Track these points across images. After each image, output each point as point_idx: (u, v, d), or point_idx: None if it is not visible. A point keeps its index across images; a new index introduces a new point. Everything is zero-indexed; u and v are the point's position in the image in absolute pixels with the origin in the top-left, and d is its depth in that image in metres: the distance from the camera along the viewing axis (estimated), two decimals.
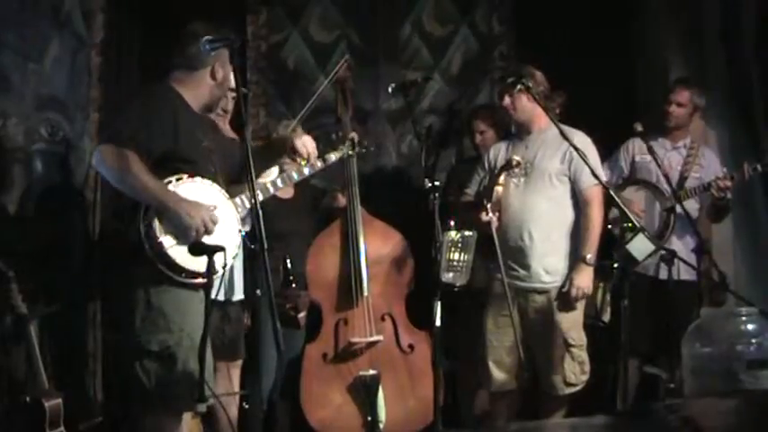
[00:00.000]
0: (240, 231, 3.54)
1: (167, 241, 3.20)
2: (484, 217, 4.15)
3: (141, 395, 3.28)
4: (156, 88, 3.46)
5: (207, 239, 3.23)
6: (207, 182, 3.35)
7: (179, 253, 3.21)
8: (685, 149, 4.81)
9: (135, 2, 5.01)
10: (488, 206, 4.16)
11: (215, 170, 3.41)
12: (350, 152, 4.11)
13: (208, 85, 3.44)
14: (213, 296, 3.63)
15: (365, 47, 5.67)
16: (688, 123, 4.84)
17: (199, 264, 3.20)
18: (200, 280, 3.25)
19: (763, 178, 4.86)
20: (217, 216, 3.28)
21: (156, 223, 3.19)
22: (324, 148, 3.91)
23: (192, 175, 3.30)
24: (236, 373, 4.13)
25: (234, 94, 4.05)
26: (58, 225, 4.32)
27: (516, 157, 4.19)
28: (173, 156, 3.28)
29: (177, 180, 3.26)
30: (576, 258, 4.26)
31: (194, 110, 3.45)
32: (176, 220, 3.20)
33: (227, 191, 3.43)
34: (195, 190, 3.29)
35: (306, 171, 3.75)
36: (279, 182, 3.67)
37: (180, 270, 3.23)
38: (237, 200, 3.45)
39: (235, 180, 3.49)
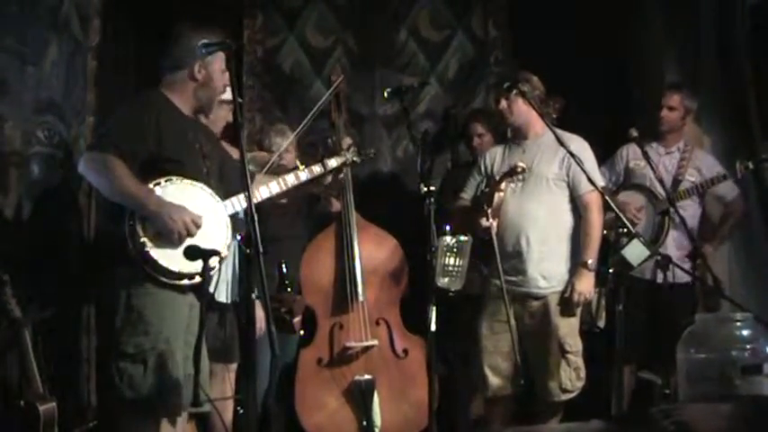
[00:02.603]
0: (236, 235, 3.54)
1: (150, 242, 3.22)
2: (484, 222, 4.14)
3: (118, 397, 3.29)
4: (142, 94, 3.50)
5: (192, 241, 3.23)
6: (197, 184, 3.35)
7: (162, 255, 3.23)
8: (679, 153, 4.84)
9: (131, 6, 5.01)
10: (489, 211, 4.15)
11: (207, 171, 3.42)
12: (354, 158, 4.02)
13: (190, 87, 3.44)
14: (217, 298, 3.67)
15: (361, 52, 5.68)
16: (681, 127, 4.87)
17: (182, 265, 3.22)
18: (185, 281, 3.26)
19: (757, 181, 4.88)
20: (201, 219, 3.29)
21: (140, 224, 3.22)
22: (322, 152, 3.91)
23: (180, 177, 3.31)
24: (231, 377, 4.13)
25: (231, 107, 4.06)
26: (53, 229, 4.31)
27: (521, 164, 4.17)
28: (158, 158, 3.30)
29: (166, 181, 3.28)
30: (574, 264, 4.26)
31: (186, 113, 3.46)
32: (158, 223, 3.22)
33: (218, 192, 3.43)
34: (183, 192, 3.31)
35: (303, 176, 3.75)
36: (274, 186, 3.67)
37: (163, 271, 3.24)
38: (228, 202, 3.45)
39: (233, 193, 3.49)
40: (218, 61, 3.42)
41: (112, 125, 3.41)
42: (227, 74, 3.45)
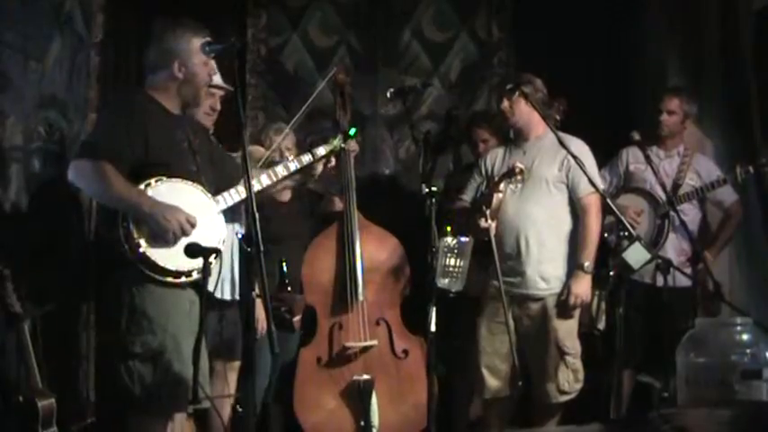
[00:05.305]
0: (237, 234, 3.54)
1: (146, 243, 3.22)
2: (483, 223, 4.14)
3: (126, 397, 3.29)
4: (125, 95, 3.51)
5: (189, 240, 3.23)
6: (187, 182, 3.36)
7: (159, 254, 3.24)
8: (679, 157, 4.84)
9: (134, 3, 5.01)
10: (488, 213, 4.15)
11: (197, 169, 3.42)
12: (342, 145, 3.95)
13: (174, 85, 3.43)
14: (219, 296, 3.66)
15: (364, 52, 5.69)
16: (681, 131, 4.87)
17: (180, 264, 3.22)
18: (183, 279, 3.27)
19: (758, 184, 4.88)
20: (194, 217, 3.29)
21: (134, 226, 3.22)
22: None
23: (170, 176, 3.31)
24: (233, 375, 4.13)
25: (221, 93, 4.06)
26: (54, 224, 4.32)
27: (519, 165, 4.17)
28: (146, 160, 3.30)
29: (157, 182, 3.28)
30: (573, 266, 4.26)
31: (173, 111, 3.45)
32: (152, 224, 3.23)
33: (209, 189, 3.43)
34: (174, 191, 3.31)
35: (292, 166, 3.73)
36: (265, 179, 3.66)
37: (162, 271, 3.25)
38: (220, 197, 3.45)
39: (223, 189, 3.48)
40: (197, 55, 3.40)
41: (98, 131, 3.44)
42: (211, 62, 3.46)
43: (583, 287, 4.22)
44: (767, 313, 4.56)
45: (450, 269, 3.65)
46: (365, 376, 4.38)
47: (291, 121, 4.28)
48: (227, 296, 3.90)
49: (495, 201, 4.20)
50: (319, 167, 3.82)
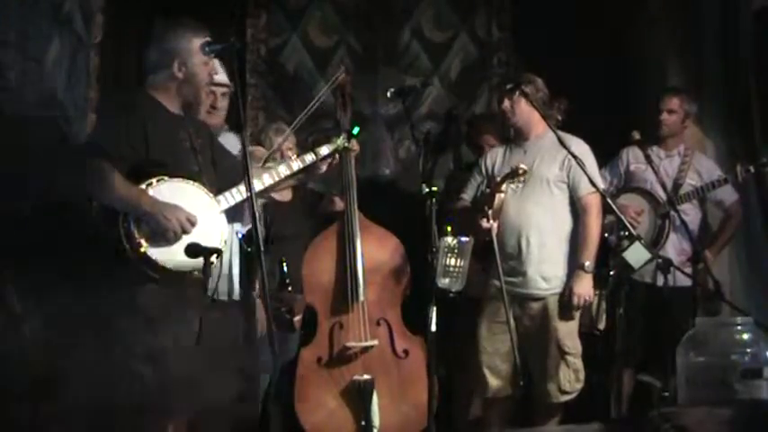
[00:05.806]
0: (237, 233, 3.54)
1: (146, 242, 3.23)
2: (484, 224, 4.14)
3: (128, 398, 3.29)
4: (126, 95, 3.51)
5: (189, 239, 3.23)
6: (189, 182, 3.36)
7: (160, 253, 3.24)
8: (679, 157, 4.85)
9: (134, 3, 5.01)
10: (489, 213, 4.15)
11: (199, 169, 3.42)
12: (346, 144, 3.92)
13: (174, 85, 3.43)
14: (215, 296, 3.66)
15: (364, 52, 5.69)
16: (681, 131, 4.88)
17: (181, 263, 3.22)
18: (184, 279, 3.26)
19: (758, 184, 4.88)
20: (195, 216, 3.29)
21: (134, 225, 3.22)
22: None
23: (171, 176, 3.31)
24: None
25: (222, 90, 4.06)
26: (54, 224, 4.31)
27: (523, 166, 4.17)
28: (146, 161, 3.31)
29: (158, 181, 3.29)
30: (573, 266, 4.26)
31: (174, 111, 3.45)
32: (152, 223, 3.23)
33: (211, 189, 3.43)
34: (175, 190, 3.31)
35: (295, 166, 3.72)
36: (267, 178, 3.65)
37: (162, 270, 3.25)
38: (221, 197, 3.45)
39: (225, 188, 3.48)
40: (197, 54, 3.40)
41: (98, 131, 3.47)
42: (211, 62, 3.47)
43: (585, 287, 4.22)
44: (767, 313, 4.56)
45: (451, 269, 3.65)
46: (366, 376, 4.38)
47: (293, 124, 4.28)
48: (224, 296, 3.90)
49: (496, 201, 4.21)
50: (324, 167, 3.81)
